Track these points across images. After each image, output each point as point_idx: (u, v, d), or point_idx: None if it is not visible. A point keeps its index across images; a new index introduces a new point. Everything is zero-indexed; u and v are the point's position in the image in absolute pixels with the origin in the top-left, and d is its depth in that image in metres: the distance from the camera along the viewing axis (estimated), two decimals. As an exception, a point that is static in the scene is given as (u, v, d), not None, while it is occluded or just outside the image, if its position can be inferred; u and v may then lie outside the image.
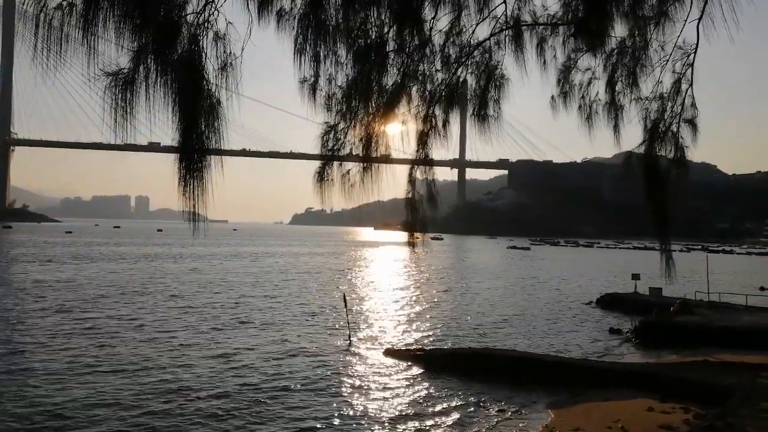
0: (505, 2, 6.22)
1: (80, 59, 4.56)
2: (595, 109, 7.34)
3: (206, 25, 4.97)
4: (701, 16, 6.07)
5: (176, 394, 18.31)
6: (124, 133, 4.72)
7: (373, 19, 5.86)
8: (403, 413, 17.49)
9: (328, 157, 6.40)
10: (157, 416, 16.26)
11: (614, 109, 7.27)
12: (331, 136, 6.37)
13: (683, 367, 21.50)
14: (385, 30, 5.97)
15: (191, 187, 4.90)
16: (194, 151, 4.91)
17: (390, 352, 24.89)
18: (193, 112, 4.88)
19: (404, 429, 16.30)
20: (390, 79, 6.24)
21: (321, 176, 6.43)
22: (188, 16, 4.92)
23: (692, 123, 7.03)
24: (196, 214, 5.02)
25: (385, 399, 18.79)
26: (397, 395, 19.20)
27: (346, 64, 6.01)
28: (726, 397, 16.72)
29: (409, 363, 23.15)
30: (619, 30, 6.56)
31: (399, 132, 6.57)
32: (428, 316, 35.80)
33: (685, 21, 6.33)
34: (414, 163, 6.69)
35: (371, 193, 6.41)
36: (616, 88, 7.15)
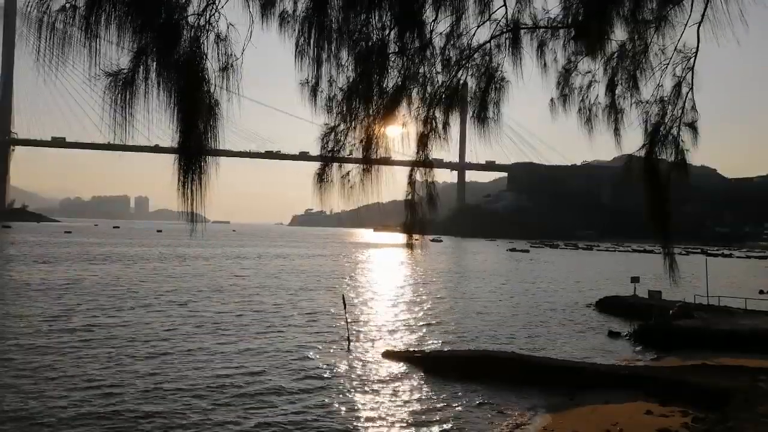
0: (505, 5, 6.22)
1: (81, 60, 4.57)
2: (595, 113, 7.32)
3: (207, 26, 4.97)
4: (701, 20, 6.08)
5: (173, 395, 18.30)
6: (123, 134, 4.72)
7: (374, 22, 5.87)
8: (402, 415, 17.48)
9: (328, 158, 6.39)
10: (153, 417, 16.26)
11: (614, 112, 7.26)
12: (332, 137, 6.37)
13: (682, 371, 21.50)
14: (386, 32, 5.98)
15: (189, 187, 4.91)
16: (193, 151, 4.91)
17: (389, 354, 24.86)
18: (192, 113, 4.88)
19: (403, 431, 16.29)
20: (390, 81, 6.24)
21: (321, 177, 6.42)
22: (189, 18, 4.92)
23: (693, 126, 7.02)
24: (195, 214, 5.02)
25: (383, 401, 18.77)
26: (396, 397, 19.18)
27: (347, 66, 6.02)
28: (725, 400, 16.72)
29: (408, 365, 23.14)
30: (620, 33, 6.57)
31: (399, 134, 6.55)
32: (427, 318, 35.78)
33: (685, 25, 6.33)
34: (414, 165, 6.68)
35: (371, 194, 6.40)
36: (616, 92, 7.14)
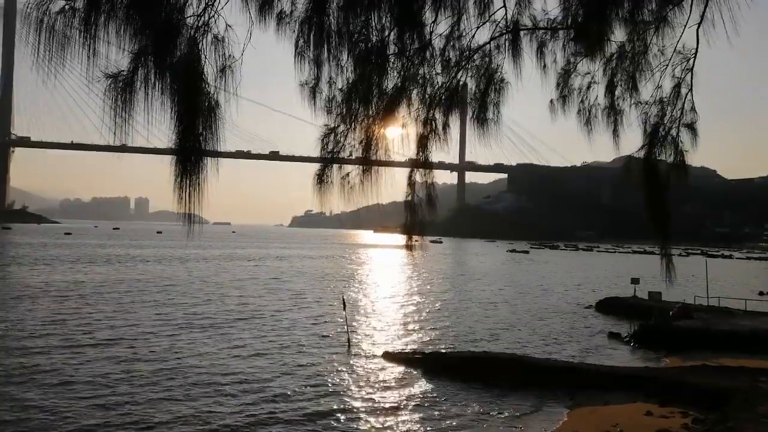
0: (505, 6, 6.22)
1: (81, 62, 4.56)
2: (595, 114, 7.32)
3: (206, 27, 4.97)
4: (701, 21, 6.08)
5: (173, 396, 18.29)
6: (123, 135, 4.72)
7: (373, 23, 5.87)
8: (402, 416, 17.48)
9: (328, 159, 6.38)
10: (154, 420, 16.26)
11: (614, 113, 7.26)
12: (331, 138, 6.36)
13: (682, 371, 21.50)
14: (386, 33, 5.98)
15: (187, 188, 4.90)
16: (191, 152, 4.90)
17: (389, 355, 24.85)
18: (191, 113, 4.88)
19: (403, 432, 16.29)
20: (390, 82, 6.24)
21: (321, 179, 6.41)
22: (188, 19, 4.92)
23: (692, 127, 7.02)
24: (192, 215, 5.00)
25: (383, 402, 18.76)
26: (396, 398, 19.18)
27: (347, 68, 6.02)
28: (725, 400, 16.73)
29: (408, 366, 23.14)
30: (619, 35, 6.57)
31: (399, 135, 6.54)
32: (427, 320, 35.78)
33: (685, 26, 6.33)
34: (414, 166, 6.68)
35: (371, 195, 6.39)
36: (616, 93, 7.14)
